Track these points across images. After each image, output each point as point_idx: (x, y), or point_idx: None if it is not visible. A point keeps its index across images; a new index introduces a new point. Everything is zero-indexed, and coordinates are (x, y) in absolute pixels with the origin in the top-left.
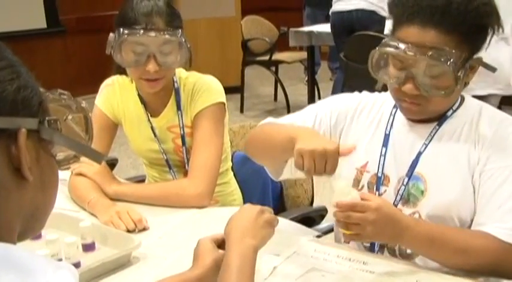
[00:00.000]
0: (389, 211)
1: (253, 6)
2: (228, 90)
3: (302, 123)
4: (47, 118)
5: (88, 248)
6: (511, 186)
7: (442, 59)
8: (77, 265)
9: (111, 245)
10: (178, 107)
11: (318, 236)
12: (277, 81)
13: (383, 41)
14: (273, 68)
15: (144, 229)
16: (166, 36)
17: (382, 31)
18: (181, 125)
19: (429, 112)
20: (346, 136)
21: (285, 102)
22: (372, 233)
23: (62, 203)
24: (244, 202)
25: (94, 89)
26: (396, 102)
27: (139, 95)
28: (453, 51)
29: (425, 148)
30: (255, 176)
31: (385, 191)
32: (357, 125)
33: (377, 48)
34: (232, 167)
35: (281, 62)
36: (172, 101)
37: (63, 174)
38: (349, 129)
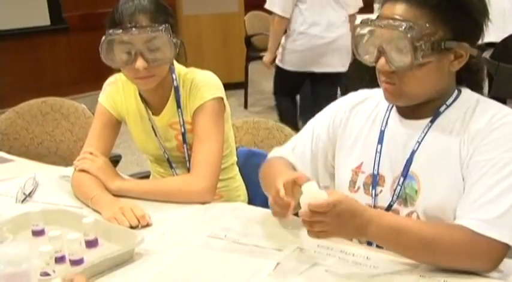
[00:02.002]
0: (350, 205)
1: (256, 1)
2: (232, 86)
3: (302, 145)
4: None
5: (91, 244)
6: (490, 179)
7: (404, 29)
8: (80, 261)
9: (114, 241)
10: (179, 105)
11: None
12: None
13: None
14: None
15: (147, 225)
16: (151, 32)
17: None
18: (181, 123)
19: (407, 95)
20: (341, 139)
21: None
22: (334, 228)
23: (65, 199)
24: (249, 198)
25: (97, 86)
26: (381, 87)
27: (140, 93)
28: (423, 25)
29: (418, 146)
30: (258, 171)
31: (381, 191)
32: (352, 126)
33: (353, 26)
34: (237, 163)
35: None
36: (172, 99)
37: (66, 171)
38: (344, 132)
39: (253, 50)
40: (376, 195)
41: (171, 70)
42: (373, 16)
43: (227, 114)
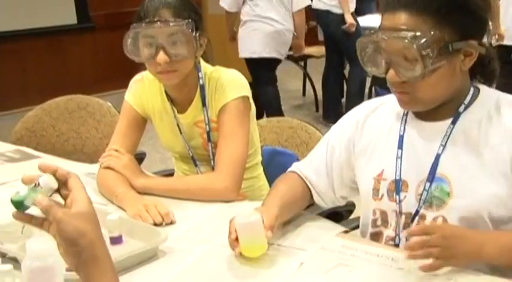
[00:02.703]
0: (456, 228)
1: None
2: None
3: (318, 158)
4: None
5: (115, 241)
6: None
7: (409, 39)
8: None
9: (138, 238)
10: (204, 103)
11: (346, 231)
12: (305, 76)
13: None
14: (302, 63)
15: (171, 223)
16: (173, 26)
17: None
18: (206, 121)
19: (422, 101)
20: (358, 149)
21: (313, 97)
22: (446, 252)
23: (90, 196)
24: None
25: (123, 84)
26: (394, 96)
27: (166, 91)
28: (427, 32)
29: (443, 149)
30: (283, 171)
31: (405, 196)
32: (368, 135)
33: (358, 40)
34: (261, 162)
35: (310, 56)
36: (197, 97)
37: (92, 168)
38: (360, 142)
39: None
40: (400, 201)
41: (197, 68)
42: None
43: (252, 113)
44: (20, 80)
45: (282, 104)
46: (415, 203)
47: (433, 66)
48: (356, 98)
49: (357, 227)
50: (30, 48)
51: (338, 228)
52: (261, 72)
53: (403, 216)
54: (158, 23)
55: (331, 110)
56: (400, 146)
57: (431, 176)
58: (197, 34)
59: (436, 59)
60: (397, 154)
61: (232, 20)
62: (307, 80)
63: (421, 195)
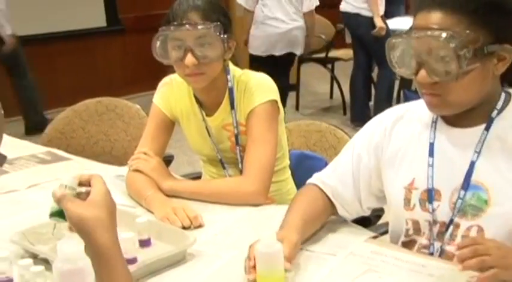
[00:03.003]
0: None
1: None
2: (292, 88)
3: (343, 166)
4: None
5: (144, 243)
6: None
7: (446, 38)
8: (133, 260)
9: (166, 241)
10: (232, 106)
11: (375, 237)
12: (333, 78)
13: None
14: (329, 66)
15: (200, 226)
16: (202, 29)
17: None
18: (235, 124)
19: (452, 105)
20: (386, 158)
21: (340, 100)
22: (501, 260)
23: (119, 198)
24: None
25: (152, 87)
26: (422, 98)
27: (194, 94)
28: (463, 32)
29: (478, 156)
30: (310, 174)
31: (438, 206)
32: (396, 143)
33: (387, 40)
34: (289, 166)
35: (337, 59)
36: (226, 100)
37: (121, 170)
38: (388, 150)
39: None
40: (433, 210)
41: (226, 71)
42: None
43: (281, 117)
44: (51, 82)
45: (309, 107)
46: (449, 212)
47: (468, 67)
48: (384, 101)
49: (386, 232)
50: (61, 50)
51: (367, 233)
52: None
53: (437, 225)
54: (186, 25)
55: (358, 113)
56: (431, 153)
57: (466, 184)
58: (226, 37)
59: (471, 60)
60: (429, 162)
61: (250, 19)
62: (335, 83)
63: (455, 203)
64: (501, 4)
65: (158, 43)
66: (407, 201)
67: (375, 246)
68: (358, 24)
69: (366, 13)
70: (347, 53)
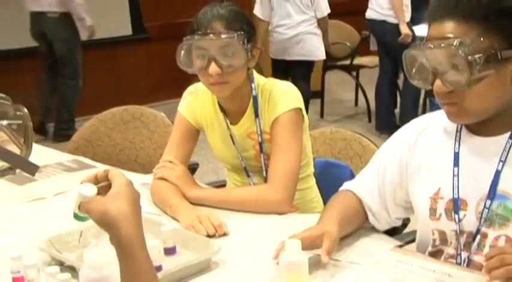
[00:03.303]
0: None
1: (334, 10)
2: (316, 95)
3: (370, 178)
4: None
5: (169, 251)
6: None
7: (455, 46)
8: (158, 268)
9: (191, 250)
10: (257, 114)
11: (400, 246)
12: (358, 86)
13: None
14: (354, 73)
15: (224, 234)
16: (225, 38)
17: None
18: (259, 132)
19: (470, 113)
20: (411, 168)
21: (365, 107)
22: None
23: (145, 206)
24: None
25: (177, 95)
26: (442, 108)
27: (219, 102)
28: (474, 39)
29: (503, 165)
30: (335, 182)
31: (465, 215)
32: (421, 153)
33: (404, 52)
34: (313, 174)
35: (362, 66)
36: (250, 109)
37: (146, 178)
38: (413, 161)
39: (330, 59)
40: (459, 220)
41: (250, 79)
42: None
43: (305, 125)
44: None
45: (334, 114)
46: (476, 222)
47: (481, 74)
48: (410, 109)
49: (412, 241)
50: (87, 59)
51: (393, 242)
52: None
53: (464, 235)
54: (210, 35)
55: (384, 120)
56: (456, 163)
57: (492, 194)
58: (249, 46)
59: (484, 66)
60: (454, 172)
61: (265, 30)
62: (360, 90)
63: (482, 213)
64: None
65: (182, 52)
66: (433, 211)
67: (400, 255)
68: (385, 31)
69: (392, 20)
70: (372, 60)
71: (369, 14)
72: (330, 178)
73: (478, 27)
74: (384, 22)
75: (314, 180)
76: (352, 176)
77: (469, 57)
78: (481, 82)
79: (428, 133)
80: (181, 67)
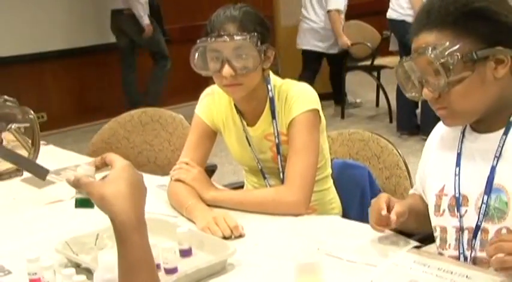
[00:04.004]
0: None
1: (354, 11)
2: (330, 96)
3: (418, 183)
4: None
5: (185, 253)
6: None
7: (428, 53)
8: (174, 270)
9: (207, 251)
10: (273, 116)
11: (418, 247)
12: (379, 86)
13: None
14: (375, 73)
15: (240, 236)
16: (238, 40)
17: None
18: (276, 134)
19: (460, 114)
20: (427, 168)
21: (387, 108)
22: None
23: (161, 208)
24: (343, 210)
25: (197, 96)
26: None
27: (235, 104)
28: (445, 44)
29: (497, 161)
30: (353, 184)
31: (466, 211)
32: (432, 154)
33: (394, 69)
34: (331, 175)
35: (383, 67)
36: (267, 110)
37: (163, 180)
38: (428, 160)
39: (350, 60)
40: (461, 216)
41: (267, 81)
42: None
43: (322, 126)
44: (99, 93)
45: (355, 115)
46: (476, 217)
47: (458, 75)
48: (431, 109)
49: (430, 242)
50: (107, 61)
51: (410, 243)
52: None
53: (466, 232)
54: (223, 37)
55: (405, 121)
56: (458, 163)
57: (488, 189)
58: (264, 47)
59: (461, 68)
60: (455, 172)
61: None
62: (381, 91)
63: (480, 208)
64: (481, 11)
65: (196, 55)
66: (437, 207)
67: (417, 257)
68: (405, 31)
69: (411, 20)
70: (393, 60)
71: (390, 13)
72: (348, 179)
73: (451, 33)
74: (403, 22)
75: (332, 181)
76: (369, 177)
77: (442, 60)
78: (461, 83)
79: (441, 133)
80: (195, 70)
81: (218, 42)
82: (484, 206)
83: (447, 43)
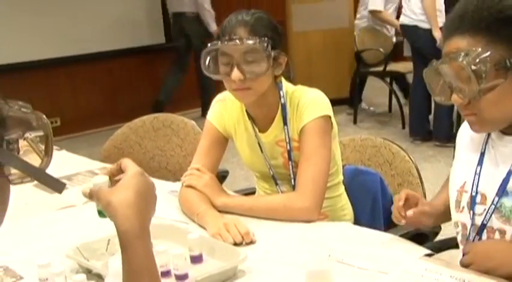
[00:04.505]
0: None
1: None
2: (342, 102)
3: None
4: (5, 138)
5: (196, 259)
6: None
7: (461, 59)
8: (184, 276)
9: (218, 258)
10: (285, 122)
11: (430, 254)
12: (391, 92)
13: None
14: (388, 79)
15: (251, 242)
16: (248, 44)
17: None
18: (287, 140)
19: (490, 122)
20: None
21: (399, 114)
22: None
23: (173, 214)
24: (355, 217)
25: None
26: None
27: (247, 110)
28: (478, 49)
29: None
30: (364, 190)
31: (484, 210)
32: (461, 152)
33: (424, 71)
34: (343, 181)
35: (396, 72)
36: (279, 116)
37: (175, 186)
38: (456, 155)
39: (363, 66)
40: (475, 214)
41: (279, 87)
42: None
43: (334, 133)
44: (111, 99)
45: (368, 120)
46: (492, 217)
47: (490, 83)
48: (444, 115)
49: (443, 249)
50: (121, 67)
51: (422, 250)
52: None
53: (485, 231)
54: (233, 41)
55: (418, 127)
56: (480, 162)
57: (501, 191)
58: (274, 52)
59: (494, 75)
60: (476, 170)
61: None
62: (394, 97)
63: (489, 208)
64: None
65: (208, 58)
66: (458, 203)
67: (429, 264)
68: (417, 37)
69: (424, 25)
70: (406, 66)
71: (402, 19)
72: (359, 186)
73: (484, 39)
74: (415, 27)
75: (343, 188)
76: (381, 183)
77: (474, 67)
78: (493, 91)
79: (468, 129)
80: (205, 73)
81: (228, 46)
82: (493, 207)
83: (479, 49)
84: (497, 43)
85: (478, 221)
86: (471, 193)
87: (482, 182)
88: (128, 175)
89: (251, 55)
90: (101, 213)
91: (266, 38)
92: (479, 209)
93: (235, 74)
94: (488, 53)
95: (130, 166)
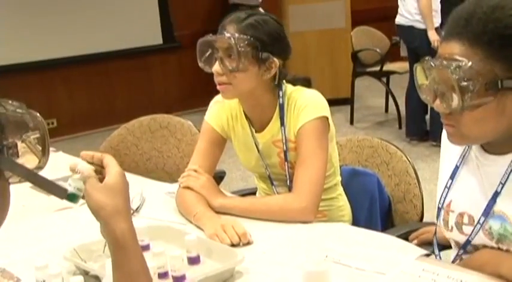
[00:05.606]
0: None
1: (363, 17)
2: (338, 102)
3: None
4: (4, 143)
5: (193, 261)
6: None
7: (452, 69)
8: (182, 278)
9: (215, 259)
10: (282, 123)
11: (427, 255)
12: (388, 92)
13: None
14: (384, 79)
15: (248, 243)
16: (230, 40)
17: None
18: (284, 140)
19: (467, 137)
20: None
21: (396, 114)
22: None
23: (170, 215)
24: (353, 217)
25: (207, 102)
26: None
27: (244, 111)
28: (473, 64)
29: (501, 188)
30: (362, 191)
31: (473, 231)
32: (444, 159)
33: (414, 65)
34: (340, 182)
35: (392, 72)
36: (276, 117)
37: (172, 187)
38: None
39: (359, 66)
40: (469, 234)
41: (279, 87)
42: None
43: (331, 134)
44: (108, 100)
45: (364, 121)
46: (484, 238)
47: (476, 100)
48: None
49: (441, 249)
50: (117, 68)
51: (419, 251)
52: None
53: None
54: (221, 35)
55: (414, 127)
56: (453, 176)
57: (486, 213)
58: (263, 55)
59: (481, 93)
60: (447, 184)
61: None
62: (390, 97)
63: (474, 228)
64: None
65: (199, 49)
66: (445, 223)
67: (426, 264)
68: (413, 37)
69: (419, 25)
70: (402, 66)
71: (398, 19)
72: (357, 186)
73: (482, 53)
74: (411, 27)
75: (341, 189)
76: (379, 184)
77: (462, 82)
78: (478, 108)
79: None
80: (200, 65)
81: (214, 40)
82: (479, 226)
83: (473, 65)
84: (495, 61)
85: (477, 241)
86: (437, 205)
87: (467, 202)
88: (116, 174)
89: (231, 51)
90: (74, 197)
91: (253, 39)
92: (467, 229)
93: (216, 67)
94: (485, 70)
95: (112, 165)
